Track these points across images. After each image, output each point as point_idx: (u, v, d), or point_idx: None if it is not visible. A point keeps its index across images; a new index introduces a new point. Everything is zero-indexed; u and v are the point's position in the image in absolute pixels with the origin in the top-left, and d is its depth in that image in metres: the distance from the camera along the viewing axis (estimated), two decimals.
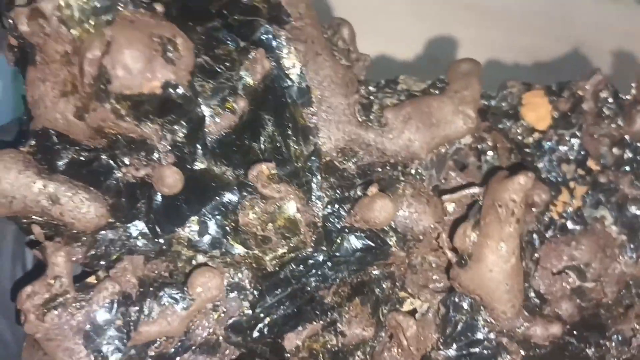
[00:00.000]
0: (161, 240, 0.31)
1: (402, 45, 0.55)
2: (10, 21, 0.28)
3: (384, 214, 0.32)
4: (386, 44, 0.55)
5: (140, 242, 0.31)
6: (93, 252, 0.31)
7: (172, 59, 0.27)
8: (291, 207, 0.32)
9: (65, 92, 0.27)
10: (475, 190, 0.34)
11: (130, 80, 0.26)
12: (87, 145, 0.29)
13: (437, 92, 0.35)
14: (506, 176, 0.33)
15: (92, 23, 0.26)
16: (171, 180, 0.29)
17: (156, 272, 0.31)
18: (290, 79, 0.33)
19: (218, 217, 0.31)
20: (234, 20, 0.32)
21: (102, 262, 0.31)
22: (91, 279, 0.31)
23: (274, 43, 0.32)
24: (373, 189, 0.32)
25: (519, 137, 0.37)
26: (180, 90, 0.28)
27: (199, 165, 0.30)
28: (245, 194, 0.31)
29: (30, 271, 0.33)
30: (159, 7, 0.28)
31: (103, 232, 0.31)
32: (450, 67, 0.36)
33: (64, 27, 0.26)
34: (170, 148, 0.29)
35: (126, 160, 0.29)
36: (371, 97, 0.35)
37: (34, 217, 0.30)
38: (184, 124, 0.29)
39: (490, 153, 0.37)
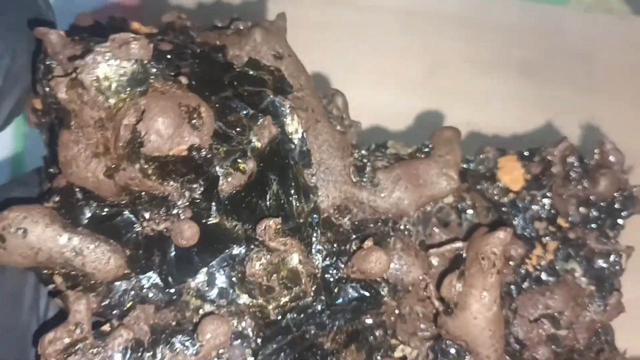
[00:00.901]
0: (172, 291, 0.34)
1: (390, 59, 0.55)
2: (47, 89, 0.31)
3: (379, 265, 0.35)
4: (374, 57, 0.55)
5: (152, 292, 0.34)
6: (107, 302, 0.33)
7: (197, 125, 0.30)
8: (294, 259, 0.35)
9: (97, 153, 0.30)
10: (458, 244, 0.38)
11: (161, 144, 0.29)
12: (111, 201, 0.32)
13: (422, 155, 0.39)
14: (486, 232, 0.37)
15: (128, 93, 0.29)
16: (189, 233, 0.31)
17: (165, 320, 0.34)
18: (293, 143, 0.36)
19: (226, 268, 0.34)
20: (244, 90, 0.36)
21: (116, 311, 0.33)
22: (105, 327, 0.33)
23: (279, 111, 0.36)
24: (369, 243, 0.35)
25: (496, 197, 0.41)
26: (202, 153, 0.31)
27: (212, 220, 0.33)
28: (252, 246, 0.34)
29: (47, 321, 0.35)
30: (183, 80, 0.31)
31: (118, 282, 0.33)
32: (434, 134, 0.40)
33: (101, 97, 0.29)
34: (188, 204, 0.32)
35: (147, 215, 0.32)
36: (364, 160, 0.39)
37: (55, 268, 0.33)
38: (202, 182, 0.32)
39: (470, 211, 0.40)
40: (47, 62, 0.31)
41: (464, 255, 0.37)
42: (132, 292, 0.34)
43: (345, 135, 0.38)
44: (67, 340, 0.31)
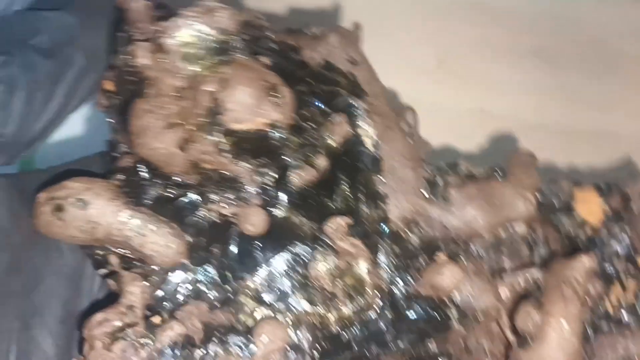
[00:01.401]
0: (228, 288, 0.31)
1: (402, 45, 0.54)
2: (125, 56, 0.30)
3: (452, 280, 0.32)
4: (385, 44, 0.52)
5: (207, 288, 0.31)
6: (160, 293, 0.31)
7: (278, 103, 0.29)
8: (362, 267, 0.32)
9: (172, 124, 0.29)
10: (535, 272, 0.35)
11: (241, 114, 0.28)
12: (177, 180, 0.30)
13: (498, 177, 0.37)
14: (567, 260, 0.34)
15: (210, 61, 0.28)
16: (257, 219, 0.30)
17: (218, 320, 0.31)
18: (366, 147, 0.35)
19: (289, 268, 0.32)
20: (318, 88, 0.35)
21: (168, 304, 0.31)
22: (155, 319, 0.31)
23: (354, 112, 0.35)
24: (442, 256, 0.33)
25: (570, 231, 0.39)
26: (280, 133, 0.30)
27: (279, 213, 0.31)
28: (318, 247, 0.32)
29: (95, 302, 0.32)
30: (265, 60, 0.30)
31: (173, 273, 0.31)
32: (511, 157, 0.38)
33: (183, 63, 0.28)
34: (258, 190, 0.30)
35: (214, 197, 0.30)
36: (435, 176, 0.37)
37: (111, 247, 0.31)
38: (274, 169, 0.30)
39: (541, 244, 0.38)
40: (129, 31, 0.30)
41: (541, 284, 0.35)
42: (187, 286, 0.31)
43: (418, 147, 0.37)
44: (117, 323, 0.29)
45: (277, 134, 0.30)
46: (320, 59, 0.36)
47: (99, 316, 0.29)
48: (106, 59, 0.33)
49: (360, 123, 0.35)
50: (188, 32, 0.28)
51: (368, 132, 0.35)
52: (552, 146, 0.52)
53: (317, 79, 0.35)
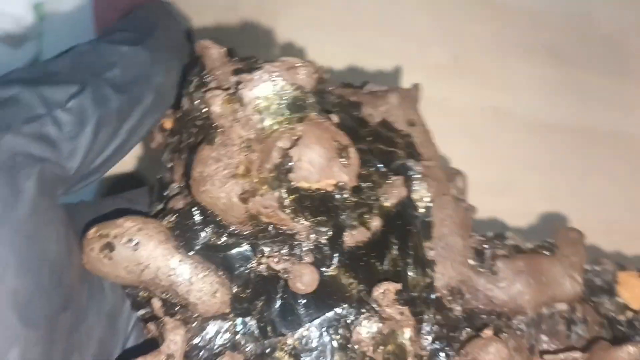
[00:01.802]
0: (266, 343, 0.31)
1: (419, 43, 0.53)
2: (197, 102, 0.30)
3: (497, 358, 0.31)
4: (402, 41, 0.52)
5: (245, 340, 0.30)
6: (197, 341, 0.30)
7: (347, 165, 0.29)
8: (406, 334, 0.31)
9: (236, 174, 0.28)
10: (577, 355, 0.34)
11: (311, 173, 0.27)
12: (233, 230, 0.30)
13: (546, 252, 0.37)
14: (612, 346, 0.33)
15: (285, 117, 0.28)
16: (309, 278, 0.29)
17: None
18: (418, 211, 0.34)
19: (331, 329, 0.31)
20: (377, 147, 0.34)
21: (204, 353, 0.30)
22: None
23: (409, 175, 0.34)
24: (488, 332, 0.32)
25: (611, 313, 0.38)
26: (344, 195, 0.29)
27: (329, 272, 0.30)
28: (363, 310, 0.31)
29: (129, 348, 0.32)
30: (335, 118, 0.30)
31: (213, 321, 0.31)
32: (559, 233, 0.37)
33: (257, 116, 0.28)
34: (312, 247, 0.30)
35: (267, 251, 0.30)
36: (484, 246, 0.36)
37: (155, 290, 0.30)
38: (330, 228, 0.30)
39: (580, 323, 0.37)
40: (203, 76, 0.30)
41: None
42: (225, 336, 0.31)
43: (468, 214, 0.36)
44: None
45: (339, 196, 0.29)
46: (379, 117, 0.36)
47: None
48: (171, 100, 0.32)
49: (415, 186, 0.34)
50: (268, 87, 0.28)
51: (422, 196, 0.34)
52: (567, 146, 0.51)
53: (377, 138, 0.35)
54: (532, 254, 0.36)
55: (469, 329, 0.34)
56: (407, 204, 0.34)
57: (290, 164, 0.27)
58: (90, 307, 0.30)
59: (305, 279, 0.29)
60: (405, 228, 0.33)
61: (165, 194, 0.34)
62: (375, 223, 0.32)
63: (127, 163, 0.46)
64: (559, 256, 0.36)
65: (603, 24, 0.55)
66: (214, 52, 0.29)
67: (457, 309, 0.34)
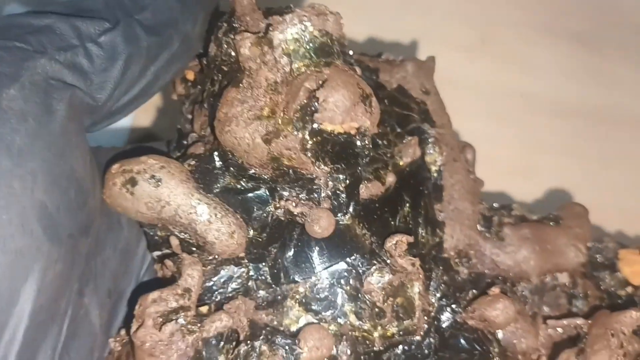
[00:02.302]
0: (278, 290, 0.31)
1: (447, 24, 0.53)
2: (226, 46, 0.31)
3: (504, 315, 0.32)
4: (432, 21, 0.52)
5: (257, 286, 0.31)
6: (211, 284, 0.31)
7: (369, 111, 0.29)
8: (415, 288, 0.32)
9: (261, 116, 0.29)
10: (579, 321, 0.35)
11: (334, 114, 0.28)
12: (250, 173, 0.30)
13: (551, 223, 0.38)
14: (615, 312, 0.34)
15: (313, 61, 0.29)
16: (326, 222, 0.29)
17: (264, 320, 0.31)
18: (430, 173, 0.35)
19: (342, 279, 0.31)
20: (393, 110, 0.35)
21: (217, 296, 0.31)
22: (203, 309, 0.30)
23: (423, 138, 0.35)
24: (495, 290, 0.33)
25: (612, 289, 0.39)
26: (364, 141, 0.30)
27: (344, 221, 0.31)
28: (375, 262, 0.32)
29: (144, 282, 0.32)
30: (358, 71, 0.31)
31: (227, 265, 0.31)
32: (564, 207, 0.38)
33: (285, 58, 0.29)
34: (330, 194, 0.30)
35: (285, 194, 0.30)
36: (492, 213, 0.37)
37: (173, 229, 0.31)
38: (348, 176, 0.31)
39: (580, 297, 0.38)
40: (233, 21, 0.31)
41: (582, 333, 0.34)
42: (239, 281, 0.31)
43: (477, 184, 0.37)
44: (172, 304, 0.28)
45: (360, 142, 0.30)
46: (395, 83, 0.37)
47: (154, 294, 0.28)
48: (197, 49, 0.33)
49: (428, 149, 0.35)
50: (297, 29, 0.29)
51: (434, 159, 0.35)
52: (591, 132, 0.52)
53: (393, 101, 0.36)
54: (538, 223, 0.37)
55: (474, 291, 0.34)
56: (420, 165, 0.35)
57: (316, 104, 0.28)
58: (108, 241, 0.30)
59: (322, 223, 0.29)
60: (417, 188, 0.34)
61: (184, 142, 0.34)
62: (390, 179, 0.33)
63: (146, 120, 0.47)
64: (564, 227, 0.37)
65: (634, 12, 0.55)
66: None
67: (464, 271, 0.35)
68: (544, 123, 0.52)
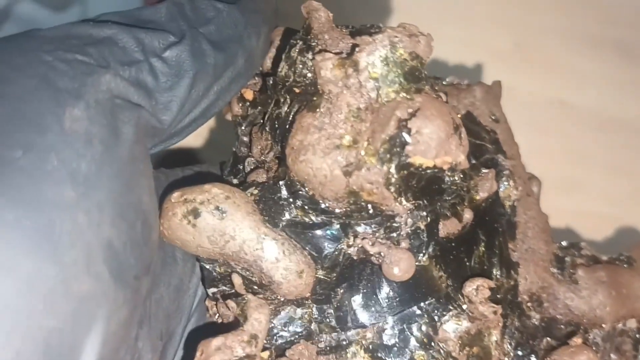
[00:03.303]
0: (343, 334, 0.28)
1: (478, 27, 0.52)
2: (301, 66, 0.28)
3: None
4: (461, 26, 0.51)
5: (321, 329, 0.28)
6: (271, 325, 0.28)
7: (462, 145, 0.27)
8: (493, 337, 0.29)
9: (340, 145, 0.26)
10: None
11: (428, 148, 0.25)
12: (324, 207, 0.28)
13: (624, 265, 0.35)
14: None
15: (403, 87, 0.26)
16: (406, 265, 0.27)
17: None
18: (504, 209, 0.32)
19: (414, 324, 0.29)
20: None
21: (276, 340, 0.28)
22: (264, 354, 0.28)
23: (498, 170, 0.33)
24: (577, 340, 0.30)
25: None
26: (454, 177, 0.27)
27: (422, 262, 0.28)
28: (451, 307, 0.29)
29: (202, 325, 0.29)
30: (443, 97, 0.28)
31: (289, 306, 0.28)
32: (636, 247, 0.36)
33: (372, 83, 0.26)
34: (410, 232, 0.28)
35: (360, 231, 0.28)
36: (564, 253, 0.34)
37: (235, 266, 0.28)
38: (429, 213, 0.28)
39: None
40: (309, 40, 0.28)
41: None
42: (300, 323, 0.28)
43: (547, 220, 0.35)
44: (238, 352, 0.25)
45: (449, 178, 0.27)
46: (464, 110, 0.34)
47: (218, 341, 0.25)
48: (258, 67, 0.30)
49: (503, 183, 0.33)
50: (386, 52, 0.26)
51: (509, 194, 0.33)
52: (633, 144, 0.50)
53: (466, 129, 0.33)
54: (612, 265, 0.35)
55: (549, 339, 0.32)
56: (495, 201, 0.32)
57: (407, 136, 0.25)
58: (162, 277, 0.27)
59: (403, 265, 0.27)
60: (492, 225, 0.32)
61: (239, 167, 0.31)
62: (467, 215, 0.30)
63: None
64: (638, 270, 0.35)
65: None
66: (322, 15, 0.27)
67: (536, 317, 0.32)
68: (583, 134, 0.50)
